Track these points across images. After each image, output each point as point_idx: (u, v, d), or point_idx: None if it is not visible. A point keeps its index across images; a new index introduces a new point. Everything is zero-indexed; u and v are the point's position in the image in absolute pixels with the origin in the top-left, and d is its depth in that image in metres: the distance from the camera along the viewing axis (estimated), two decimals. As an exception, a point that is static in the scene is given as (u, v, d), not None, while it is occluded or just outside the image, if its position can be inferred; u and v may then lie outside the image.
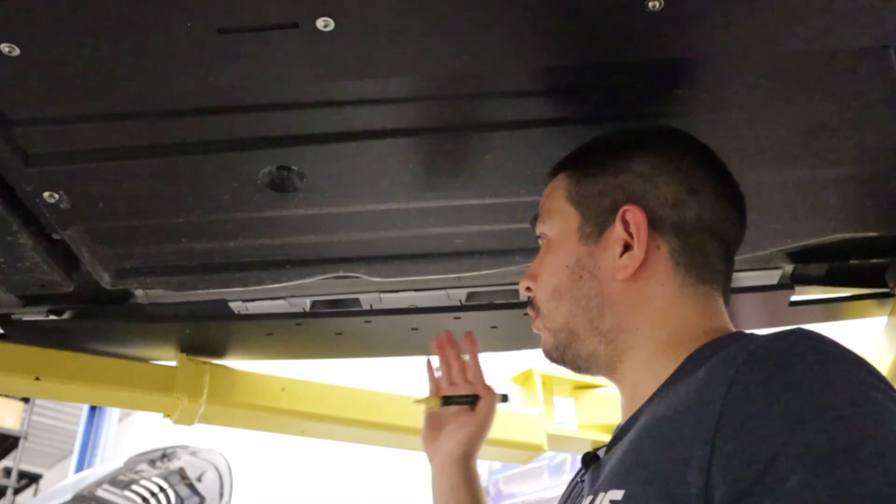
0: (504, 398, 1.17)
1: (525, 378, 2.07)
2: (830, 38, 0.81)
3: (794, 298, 1.39)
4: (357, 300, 1.39)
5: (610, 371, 0.83)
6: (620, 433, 0.77)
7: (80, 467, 5.44)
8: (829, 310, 1.45)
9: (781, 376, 0.61)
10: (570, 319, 0.83)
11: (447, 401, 1.13)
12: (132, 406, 1.72)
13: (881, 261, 1.31)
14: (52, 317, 1.41)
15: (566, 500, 0.86)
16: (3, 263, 1.13)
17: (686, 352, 0.75)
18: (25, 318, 1.40)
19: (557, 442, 2.00)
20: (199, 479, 3.25)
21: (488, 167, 0.99)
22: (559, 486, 3.82)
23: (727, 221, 0.82)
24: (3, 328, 1.44)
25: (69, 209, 1.02)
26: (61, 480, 3.89)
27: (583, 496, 0.76)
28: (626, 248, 0.80)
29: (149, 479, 3.23)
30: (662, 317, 0.79)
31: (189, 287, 1.21)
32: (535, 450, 1.95)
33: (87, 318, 1.42)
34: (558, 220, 0.86)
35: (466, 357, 1.19)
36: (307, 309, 1.41)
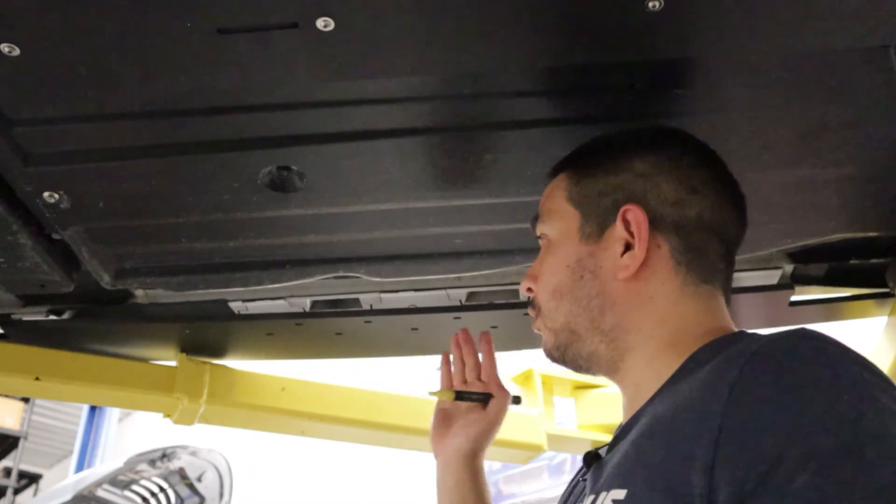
0: (517, 400, 1.17)
1: (525, 378, 2.07)
2: (830, 38, 0.81)
3: (794, 298, 1.39)
4: (357, 300, 1.39)
5: (611, 371, 0.83)
6: (622, 432, 0.76)
7: (80, 467, 5.45)
8: (829, 310, 1.45)
9: (785, 377, 0.61)
10: (571, 319, 0.83)
11: (460, 396, 1.13)
12: (132, 406, 1.72)
13: (881, 261, 1.31)
14: (52, 317, 1.41)
15: (567, 499, 0.86)
16: (3, 263, 1.13)
17: (688, 351, 0.75)
18: (25, 318, 1.40)
19: (557, 442, 2.01)
20: (199, 479, 3.25)
21: (488, 167, 0.99)
22: (559, 486, 3.81)
23: (728, 220, 0.82)
24: (3, 328, 1.44)
25: (69, 209, 1.02)
26: (61, 480, 3.89)
27: (584, 495, 0.76)
28: (627, 247, 0.80)
29: (149, 479, 3.23)
30: (664, 316, 0.79)
31: (189, 287, 1.21)
32: (535, 450, 1.95)
33: (87, 318, 1.42)
34: (559, 220, 0.86)
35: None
36: (307, 309, 1.41)
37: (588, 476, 0.79)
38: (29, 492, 9.08)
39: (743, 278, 1.34)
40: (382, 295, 1.36)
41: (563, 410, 2.07)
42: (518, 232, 1.11)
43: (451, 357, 1.19)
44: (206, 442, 3.30)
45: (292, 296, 1.37)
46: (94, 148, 0.95)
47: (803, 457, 0.57)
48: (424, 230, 1.12)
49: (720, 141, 0.89)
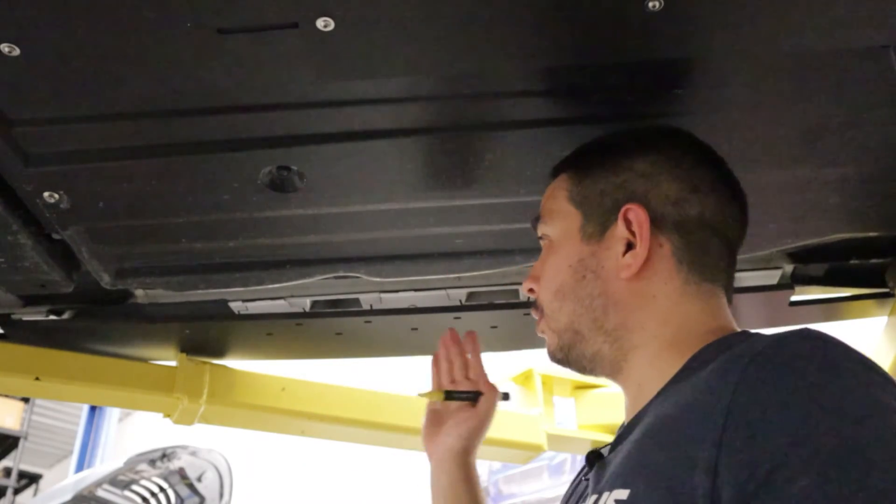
0: (506, 396, 1.18)
1: (525, 378, 2.07)
2: (830, 38, 0.81)
3: (794, 298, 1.39)
4: (357, 300, 1.39)
5: (615, 371, 0.83)
6: (625, 432, 0.76)
7: (80, 467, 5.45)
8: (829, 310, 1.45)
9: (789, 377, 0.61)
10: (575, 319, 0.83)
11: (449, 395, 1.14)
12: (132, 406, 1.72)
13: (881, 261, 1.31)
14: (52, 317, 1.41)
15: (569, 498, 0.86)
16: (3, 263, 1.13)
17: (691, 351, 0.75)
18: (25, 318, 1.40)
19: (557, 442, 2.00)
20: (199, 479, 3.25)
21: (488, 167, 0.99)
22: (559, 486, 3.82)
23: (729, 219, 0.82)
24: (3, 328, 1.44)
25: (69, 209, 1.02)
26: (61, 480, 3.89)
27: (587, 495, 0.76)
28: (629, 246, 0.80)
29: (149, 479, 3.23)
30: (667, 315, 0.79)
31: (189, 287, 1.21)
32: (535, 450, 1.95)
33: (87, 318, 1.42)
34: (560, 220, 0.86)
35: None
36: (307, 309, 1.41)
37: (590, 476, 0.79)
38: (29, 492, 9.08)
39: (743, 278, 1.34)
40: (382, 295, 1.36)
41: (564, 410, 2.07)
42: (518, 232, 1.11)
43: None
44: (206, 442, 3.30)
45: (292, 296, 1.37)
46: (94, 148, 0.95)
47: (807, 458, 0.56)
48: (424, 230, 1.12)
49: (720, 141, 0.89)
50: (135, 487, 3.23)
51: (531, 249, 1.15)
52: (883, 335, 1.47)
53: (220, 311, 1.40)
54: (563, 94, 0.91)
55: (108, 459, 5.40)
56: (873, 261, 1.31)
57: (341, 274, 1.20)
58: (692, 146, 0.85)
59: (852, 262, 1.31)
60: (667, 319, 0.79)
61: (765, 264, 1.32)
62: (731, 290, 0.84)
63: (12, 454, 7.84)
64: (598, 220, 0.83)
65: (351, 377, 1.79)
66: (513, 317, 1.39)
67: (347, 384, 1.74)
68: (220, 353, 1.60)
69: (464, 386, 1.15)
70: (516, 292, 1.35)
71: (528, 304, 1.33)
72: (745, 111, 0.93)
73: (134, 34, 0.77)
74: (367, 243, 1.15)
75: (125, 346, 1.54)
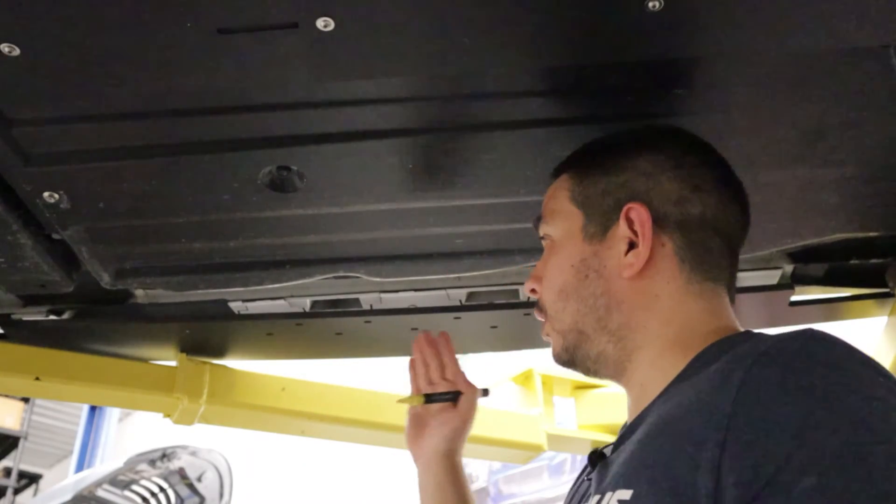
0: (485, 392, 1.18)
1: (525, 378, 2.07)
2: (831, 38, 0.80)
3: (794, 298, 1.39)
4: (357, 300, 1.39)
5: (619, 372, 0.83)
6: (627, 432, 0.76)
7: (80, 467, 5.44)
8: (829, 310, 1.45)
9: (792, 378, 0.61)
10: (578, 319, 0.83)
11: (429, 398, 1.14)
12: (132, 406, 1.72)
13: (881, 261, 1.31)
14: (52, 317, 1.41)
15: (572, 498, 0.86)
16: (3, 263, 1.13)
17: (694, 350, 0.75)
18: (25, 318, 1.40)
19: (557, 442, 2.00)
20: (199, 479, 3.25)
21: (488, 167, 0.99)
22: (559, 486, 3.82)
23: (731, 218, 0.82)
24: (3, 328, 1.44)
25: (69, 209, 1.02)
26: (61, 480, 3.89)
27: (589, 494, 0.76)
28: (631, 246, 0.81)
29: (149, 479, 3.23)
30: (670, 314, 0.79)
31: (189, 287, 1.21)
32: (535, 450, 1.95)
33: (87, 318, 1.41)
34: (562, 220, 0.86)
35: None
36: (307, 309, 1.41)
37: (593, 475, 0.79)
38: (29, 492, 9.08)
39: (743, 278, 1.34)
40: (382, 295, 1.36)
41: (564, 410, 2.07)
42: (518, 232, 1.11)
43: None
44: (206, 442, 3.30)
45: (292, 296, 1.37)
46: (94, 148, 0.95)
47: (810, 458, 0.56)
48: (424, 230, 1.12)
49: (721, 141, 0.89)
50: (135, 487, 3.23)
51: (531, 249, 1.15)
52: (883, 335, 1.47)
53: (220, 311, 1.40)
54: (563, 94, 0.91)
55: (108, 459, 5.40)
56: (873, 261, 1.30)
57: (341, 274, 1.20)
58: (694, 146, 0.85)
59: (852, 262, 1.31)
60: (669, 319, 0.79)
61: (765, 264, 1.32)
62: (734, 290, 0.84)
63: (12, 454, 7.84)
64: (600, 220, 0.83)
65: (351, 377, 1.79)
66: (513, 317, 1.39)
67: (347, 384, 1.74)
68: (220, 353, 1.60)
69: (442, 387, 1.16)
70: (516, 292, 1.35)
71: (528, 304, 1.33)
72: (746, 111, 0.93)
73: (134, 34, 0.77)
74: (367, 243, 1.15)
75: (125, 346, 1.54)
